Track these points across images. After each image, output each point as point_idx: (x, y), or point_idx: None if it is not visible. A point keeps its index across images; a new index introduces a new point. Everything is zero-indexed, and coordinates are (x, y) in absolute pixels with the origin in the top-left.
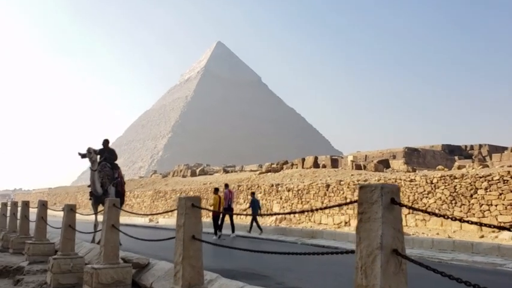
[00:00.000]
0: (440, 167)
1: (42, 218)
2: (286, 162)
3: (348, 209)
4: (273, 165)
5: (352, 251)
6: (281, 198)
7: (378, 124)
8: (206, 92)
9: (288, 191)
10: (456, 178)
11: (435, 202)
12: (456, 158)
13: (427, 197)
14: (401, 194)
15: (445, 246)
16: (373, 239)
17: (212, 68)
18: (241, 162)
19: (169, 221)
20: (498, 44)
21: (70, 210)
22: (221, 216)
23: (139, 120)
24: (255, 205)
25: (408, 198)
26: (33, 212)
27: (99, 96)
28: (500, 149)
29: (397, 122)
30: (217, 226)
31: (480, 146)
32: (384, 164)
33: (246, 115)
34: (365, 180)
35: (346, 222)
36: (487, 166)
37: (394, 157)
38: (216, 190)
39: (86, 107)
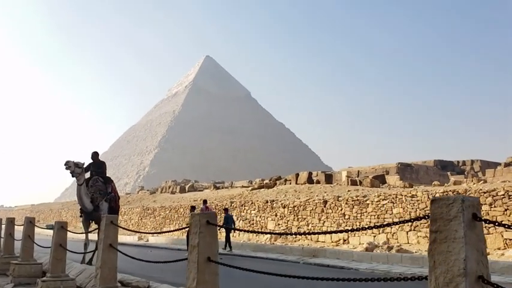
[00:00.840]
0: (436, 182)
1: (29, 236)
2: (279, 178)
3: (346, 225)
4: (265, 181)
5: (420, 278)
6: (276, 215)
7: (366, 139)
8: (194, 107)
9: (284, 207)
10: (459, 193)
11: None
12: (449, 173)
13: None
14: (402, 210)
15: None
16: (454, 264)
17: (200, 82)
18: (229, 178)
19: (159, 239)
20: (486, 58)
21: (61, 227)
22: None
23: (125, 135)
24: (228, 221)
25: (410, 214)
26: (18, 230)
27: (83, 111)
28: (492, 165)
29: (385, 138)
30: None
31: (472, 161)
32: (379, 180)
33: (235, 130)
34: (364, 196)
35: (344, 240)
36: (485, 181)
37: (388, 173)
38: (193, 208)
39: (69, 122)
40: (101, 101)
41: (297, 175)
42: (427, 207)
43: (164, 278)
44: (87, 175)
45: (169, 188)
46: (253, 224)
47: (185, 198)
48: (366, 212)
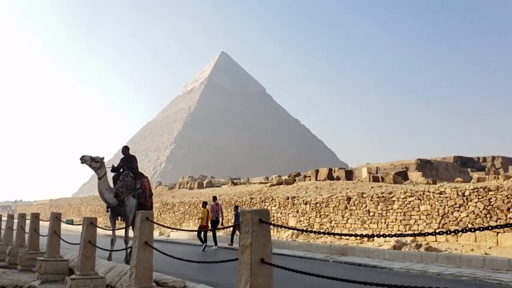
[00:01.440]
0: (459, 179)
1: (55, 232)
2: (298, 174)
3: (371, 223)
4: (284, 178)
5: None
6: (297, 212)
7: (381, 136)
8: (210, 103)
9: (305, 204)
10: (491, 190)
11: (468, 216)
12: (469, 170)
13: (458, 211)
14: (430, 208)
15: (498, 266)
16: None
17: (216, 78)
18: (245, 174)
19: (180, 234)
20: (499, 52)
21: (90, 224)
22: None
23: (142, 131)
24: (237, 218)
25: (438, 211)
26: (42, 225)
27: (100, 107)
28: None
29: (401, 134)
30: (201, 239)
31: (493, 158)
32: (402, 176)
33: (250, 126)
34: (389, 193)
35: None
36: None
37: (407, 169)
38: (205, 204)
39: (88, 117)
40: (119, 98)
41: (317, 171)
42: (456, 204)
43: (198, 277)
44: (105, 170)
45: (187, 183)
46: (273, 220)
47: (203, 194)
48: (392, 209)
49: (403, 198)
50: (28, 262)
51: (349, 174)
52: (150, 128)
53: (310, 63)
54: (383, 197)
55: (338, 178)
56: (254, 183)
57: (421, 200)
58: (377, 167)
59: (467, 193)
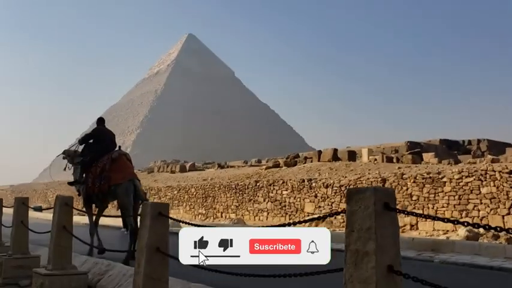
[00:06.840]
0: (471, 160)
1: (64, 227)
2: (297, 156)
3: (413, 208)
4: (283, 159)
5: None
6: (316, 196)
7: (347, 120)
8: (177, 86)
9: (326, 187)
10: None
11: None
12: (456, 153)
13: None
14: (495, 190)
15: None
16: None
17: (183, 61)
18: (213, 158)
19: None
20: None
21: (158, 215)
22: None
23: (105, 114)
24: None
25: (507, 194)
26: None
27: (61, 90)
28: (499, 144)
29: (367, 118)
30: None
31: (478, 140)
32: (419, 157)
33: (219, 111)
34: (438, 173)
35: (412, 226)
36: None
37: (397, 151)
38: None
39: (48, 100)
40: (78, 80)
41: (320, 152)
42: None
43: None
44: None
45: (167, 167)
46: (285, 206)
47: (190, 177)
48: (442, 191)
49: (457, 179)
50: (12, 272)
51: (352, 155)
52: (114, 112)
53: (280, 46)
54: (430, 177)
55: (340, 159)
56: (244, 166)
57: (482, 181)
58: (361, 150)
59: None
